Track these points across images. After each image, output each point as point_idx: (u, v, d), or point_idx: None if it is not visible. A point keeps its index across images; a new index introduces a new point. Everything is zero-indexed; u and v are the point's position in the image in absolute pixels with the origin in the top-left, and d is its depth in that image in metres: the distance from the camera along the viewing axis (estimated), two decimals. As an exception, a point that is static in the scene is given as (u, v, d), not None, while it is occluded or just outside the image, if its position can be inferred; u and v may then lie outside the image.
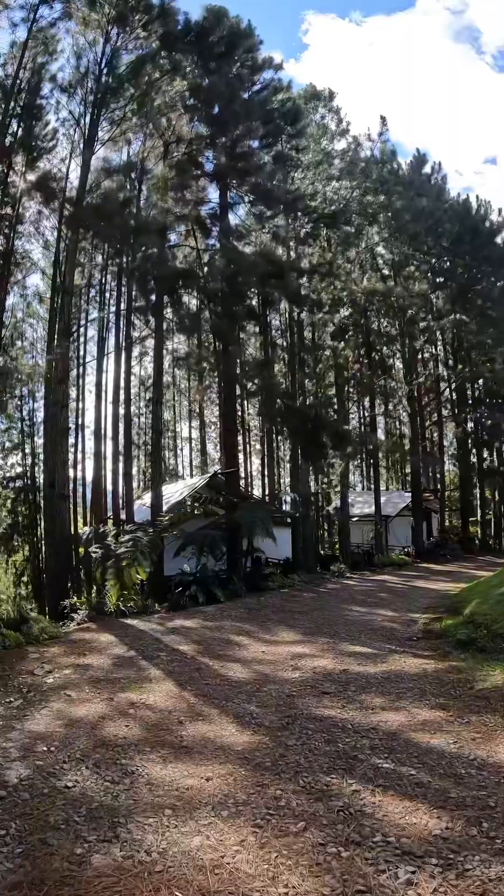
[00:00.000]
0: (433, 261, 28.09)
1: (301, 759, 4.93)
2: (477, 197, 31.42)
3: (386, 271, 27.38)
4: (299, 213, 21.02)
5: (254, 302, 19.79)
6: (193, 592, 14.65)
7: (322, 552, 29.63)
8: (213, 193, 19.77)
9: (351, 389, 27.20)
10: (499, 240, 30.44)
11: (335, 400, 24.27)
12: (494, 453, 34.51)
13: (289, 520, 22.52)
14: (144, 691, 6.92)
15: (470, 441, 32.65)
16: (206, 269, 16.79)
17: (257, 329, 20.77)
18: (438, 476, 34.09)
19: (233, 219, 20.12)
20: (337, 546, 31.75)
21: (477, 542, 31.90)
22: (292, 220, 20.96)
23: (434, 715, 6.01)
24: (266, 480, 29.39)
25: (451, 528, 32.08)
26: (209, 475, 21.44)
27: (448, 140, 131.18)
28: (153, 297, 16.50)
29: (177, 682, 7.30)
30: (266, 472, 29.91)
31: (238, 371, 17.15)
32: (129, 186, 19.09)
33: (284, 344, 22.26)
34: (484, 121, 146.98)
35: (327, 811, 4.02)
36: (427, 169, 29.51)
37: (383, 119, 24.06)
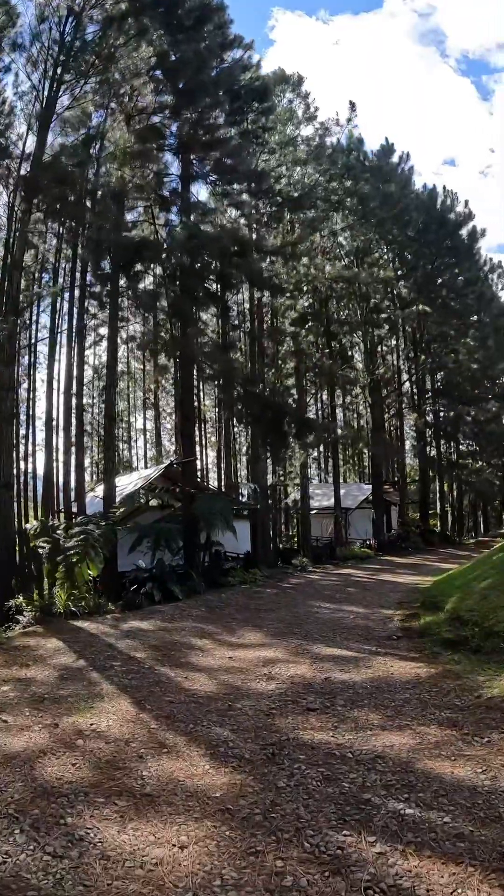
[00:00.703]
0: (396, 248, 27.43)
1: (299, 807, 3.84)
2: (444, 188, 30.94)
3: (346, 262, 26.49)
4: (263, 195, 19.85)
5: (214, 286, 18.58)
6: (149, 590, 13.45)
7: (280, 546, 28.70)
8: (176, 169, 18.40)
9: (311, 378, 26.27)
10: (464, 232, 30.15)
11: (295, 388, 23.29)
12: (453, 445, 34.31)
13: (246, 512, 21.46)
14: (96, 713, 5.70)
15: (429, 433, 32.32)
16: (165, 243, 15.43)
17: (217, 311, 19.54)
18: (398, 468, 33.64)
19: (194, 199, 18.85)
20: (295, 539, 30.89)
21: (437, 534, 31.61)
22: (255, 200, 19.78)
23: (446, 734, 5.04)
24: (222, 473, 28.26)
25: (411, 521, 31.66)
26: (165, 465, 20.19)
27: (409, 140, 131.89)
28: (109, 271, 15.04)
29: (134, 700, 6.11)
30: (223, 464, 28.79)
31: (197, 354, 15.91)
32: (87, 155, 17.55)
33: (245, 330, 21.12)
34: (445, 122, 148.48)
35: (351, 890, 2.95)
36: (394, 158, 28.89)
37: (352, 104, 22.82)
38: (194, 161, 17.62)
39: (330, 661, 7.86)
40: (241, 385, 18.11)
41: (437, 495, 34.58)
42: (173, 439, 33.97)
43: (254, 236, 20.44)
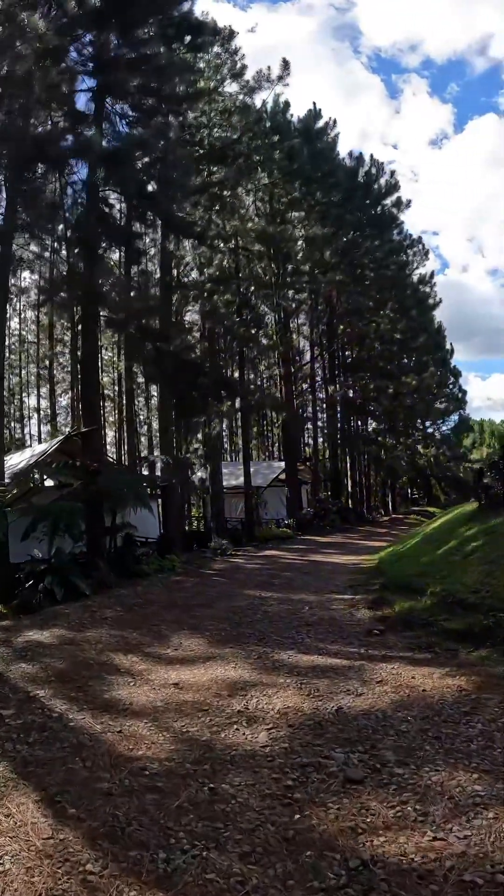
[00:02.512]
0: (321, 211, 25.11)
1: None
2: (371, 156, 29.32)
3: (267, 220, 23.81)
4: (187, 143, 16.71)
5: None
6: (49, 585, 10.41)
7: (187, 528, 26.05)
8: (93, 83, 14.72)
9: (222, 347, 23.64)
10: (388, 201, 28.71)
11: (206, 352, 20.50)
12: (363, 422, 33.04)
13: (154, 490, 18.53)
14: (-28, 839, 2.91)
15: (338, 408, 30.62)
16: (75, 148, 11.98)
17: (124, 253, 16.33)
18: (310, 445, 31.92)
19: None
20: (201, 520, 28.31)
21: (353, 511, 30.28)
22: (178, 134, 16.61)
23: None
24: (124, 451, 25.17)
25: (325, 499, 30.05)
26: (62, 438, 16.88)
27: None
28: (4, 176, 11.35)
29: (44, 796, 3.36)
30: (125, 444, 25.69)
31: (105, 294, 12.81)
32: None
33: (154, 281, 18.05)
34: (353, 117, 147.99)
35: None
36: (321, 123, 26.70)
37: (285, 62, 19.80)
38: (115, 79, 14.11)
39: (320, 677, 5.52)
40: (153, 339, 15.29)
41: (348, 473, 33.30)
42: (69, 418, 30.14)
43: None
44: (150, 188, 14.57)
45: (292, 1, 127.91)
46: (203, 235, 16.60)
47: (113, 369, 32.52)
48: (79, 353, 19.36)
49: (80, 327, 16.50)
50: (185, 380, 15.52)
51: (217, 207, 18.22)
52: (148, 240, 16.31)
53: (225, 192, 18.28)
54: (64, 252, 14.39)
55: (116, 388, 32.74)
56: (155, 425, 35.92)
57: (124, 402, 27.76)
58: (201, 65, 18.47)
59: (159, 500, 18.65)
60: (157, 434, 30.95)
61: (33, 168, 10.93)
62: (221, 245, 19.18)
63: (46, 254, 14.48)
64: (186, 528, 26.02)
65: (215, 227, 18.47)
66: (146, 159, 13.13)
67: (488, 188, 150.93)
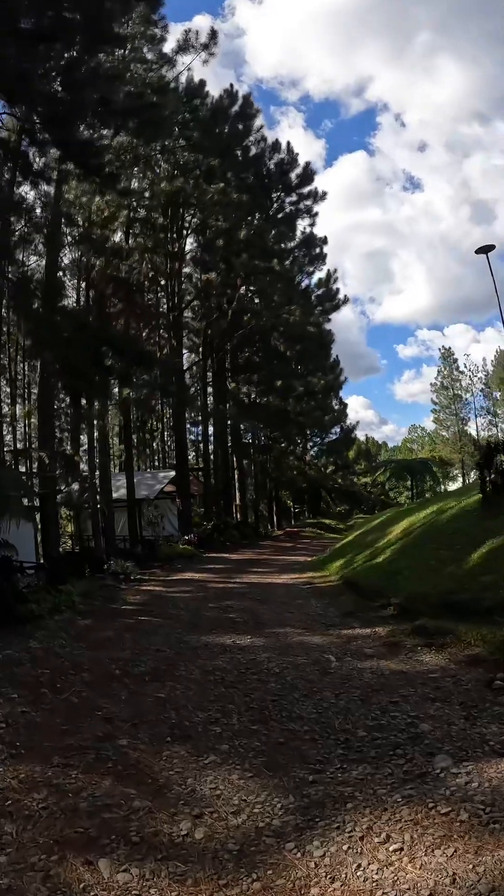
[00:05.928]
0: (235, 183, 21.67)
1: None
2: (288, 143, 26.65)
3: (179, 185, 19.79)
4: None
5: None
6: None
7: (61, 549, 20.81)
8: None
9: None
10: (305, 191, 26.37)
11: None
12: (256, 429, 29.52)
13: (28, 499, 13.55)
14: None
15: (230, 409, 26.79)
16: None
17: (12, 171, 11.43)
18: (197, 454, 27.78)
19: None
20: (76, 539, 22.97)
21: (249, 526, 26.65)
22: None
23: None
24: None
25: (217, 514, 26.01)
26: None
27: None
28: None
29: None
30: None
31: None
32: None
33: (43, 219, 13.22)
34: None
35: None
36: (236, 107, 24.00)
37: (213, 32, 17.47)
38: None
39: None
40: (41, 292, 10.82)
41: (236, 485, 29.57)
42: None
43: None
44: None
45: (183, 22, 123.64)
46: (114, 178, 12.36)
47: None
48: None
49: None
50: (84, 348, 11.12)
51: (129, 157, 14.12)
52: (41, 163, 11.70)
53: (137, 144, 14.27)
54: None
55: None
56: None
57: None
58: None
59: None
60: (26, 429, 25.19)
61: None
62: (127, 202, 14.99)
63: None
64: (60, 548, 20.77)
65: (125, 177, 14.31)
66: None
67: (351, 220, 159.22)
